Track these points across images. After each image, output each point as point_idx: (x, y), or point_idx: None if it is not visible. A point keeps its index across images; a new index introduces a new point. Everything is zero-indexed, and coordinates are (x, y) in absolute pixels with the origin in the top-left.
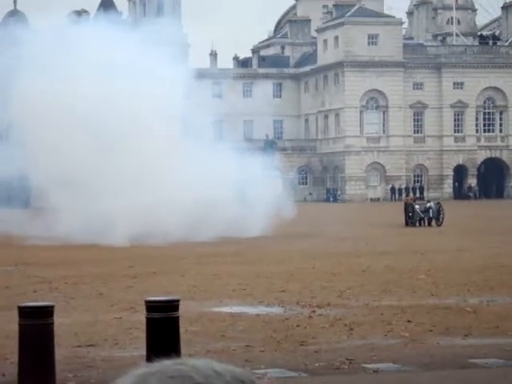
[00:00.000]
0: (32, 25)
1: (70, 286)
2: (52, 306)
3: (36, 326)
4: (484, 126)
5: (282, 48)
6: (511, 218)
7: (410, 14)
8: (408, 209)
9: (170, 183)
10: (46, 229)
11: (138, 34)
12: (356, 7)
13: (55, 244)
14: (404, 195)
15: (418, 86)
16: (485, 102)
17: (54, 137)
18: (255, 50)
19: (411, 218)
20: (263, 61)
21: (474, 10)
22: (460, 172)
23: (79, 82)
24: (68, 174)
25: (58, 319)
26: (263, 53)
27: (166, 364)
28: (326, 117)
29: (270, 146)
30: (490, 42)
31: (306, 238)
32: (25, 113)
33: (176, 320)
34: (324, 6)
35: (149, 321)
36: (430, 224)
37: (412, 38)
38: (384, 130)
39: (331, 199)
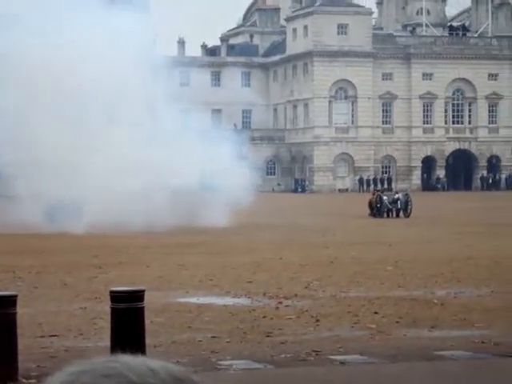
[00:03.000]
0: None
1: (33, 276)
2: (15, 296)
3: None
4: (453, 117)
5: (251, 36)
6: (479, 210)
7: (379, 3)
8: (376, 200)
9: (135, 171)
10: (10, 216)
11: (105, 20)
12: None
13: (19, 232)
14: (372, 186)
15: (387, 76)
16: (454, 94)
17: (17, 117)
18: (224, 39)
19: (379, 210)
20: (232, 49)
21: (444, 1)
22: (428, 163)
23: (50, 63)
24: (33, 157)
25: (21, 309)
26: (232, 41)
27: (99, 362)
28: (295, 107)
29: (238, 135)
30: (460, 33)
31: (273, 229)
32: None
33: (141, 311)
34: None
35: (113, 311)
36: (397, 215)
37: (381, 29)
38: (353, 121)
39: (299, 190)
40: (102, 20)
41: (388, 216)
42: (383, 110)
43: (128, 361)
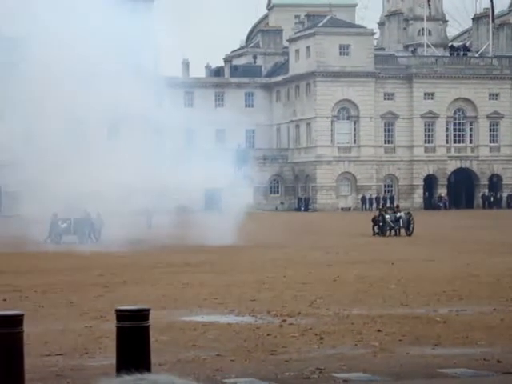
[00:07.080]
0: None
1: (40, 295)
2: (22, 315)
3: (5, 335)
4: (454, 136)
5: (254, 57)
6: (480, 228)
7: (381, 24)
8: (379, 218)
9: (140, 191)
10: (16, 236)
11: (108, 40)
12: (328, 17)
13: (25, 252)
14: (375, 205)
15: (388, 96)
16: (455, 113)
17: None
18: (227, 59)
19: (382, 228)
20: (235, 70)
21: (445, 21)
22: (430, 182)
23: (57, 86)
24: (39, 177)
25: (27, 328)
26: (235, 62)
27: (126, 379)
28: (298, 126)
29: (241, 155)
30: (461, 53)
31: (277, 247)
32: None
33: (146, 329)
34: (296, 16)
35: (119, 330)
36: (400, 234)
37: (383, 49)
38: (355, 140)
39: (302, 208)
40: (110, 41)
41: (390, 234)
42: (385, 130)
43: (155, 378)
